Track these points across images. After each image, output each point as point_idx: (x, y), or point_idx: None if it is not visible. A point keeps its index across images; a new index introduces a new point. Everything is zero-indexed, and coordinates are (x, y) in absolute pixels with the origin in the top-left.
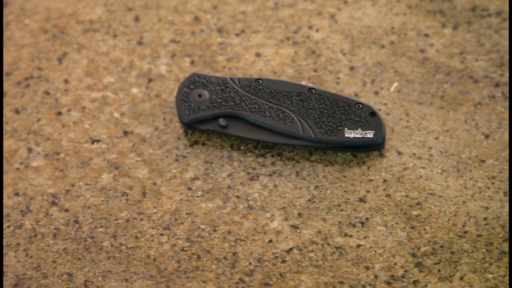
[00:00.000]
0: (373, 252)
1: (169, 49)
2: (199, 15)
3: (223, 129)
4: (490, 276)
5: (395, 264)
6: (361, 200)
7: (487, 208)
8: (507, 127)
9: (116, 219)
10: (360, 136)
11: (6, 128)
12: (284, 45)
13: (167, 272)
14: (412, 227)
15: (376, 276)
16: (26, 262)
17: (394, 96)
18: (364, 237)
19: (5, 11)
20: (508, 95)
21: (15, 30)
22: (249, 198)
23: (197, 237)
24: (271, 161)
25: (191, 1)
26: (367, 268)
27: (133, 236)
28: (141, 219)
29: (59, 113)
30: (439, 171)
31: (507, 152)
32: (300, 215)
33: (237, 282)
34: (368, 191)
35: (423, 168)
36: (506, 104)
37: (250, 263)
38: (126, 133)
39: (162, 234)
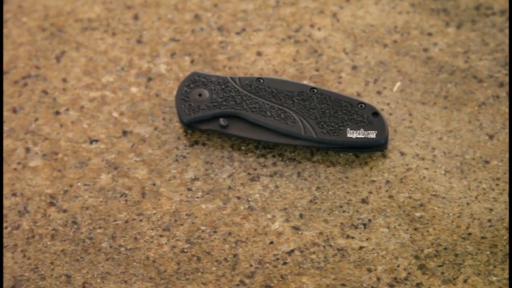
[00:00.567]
0: (376, 254)
1: (169, 48)
2: (200, 14)
3: (224, 129)
4: (494, 278)
5: (398, 266)
6: (364, 201)
7: (491, 210)
8: None
9: (115, 220)
10: (362, 136)
11: (4, 127)
12: (285, 44)
13: (167, 273)
14: (415, 229)
15: (378, 279)
16: (24, 263)
17: (397, 96)
18: (367, 239)
19: (3, 9)
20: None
21: (13, 29)
22: (249, 199)
23: (197, 239)
24: (272, 162)
25: None
26: (369, 270)
27: (132, 237)
28: (141, 220)
29: (57, 113)
30: (443, 172)
31: None
32: (301, 216)
33: (238, 285)
34: (370, 192)
35: (426, 169)
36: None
37: (251, 265)
38: (125, 133)
39: (161, 236)
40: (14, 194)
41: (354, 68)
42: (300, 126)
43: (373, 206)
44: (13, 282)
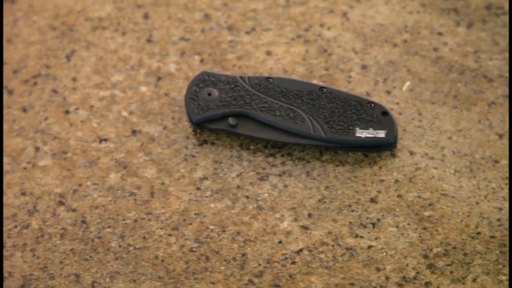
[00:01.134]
0: (385, 253)
1: (178, 47)
2: (209, 13)
3: (233, 129)
4: (503, 278)
5: (407, 265)
6: (373, 200)
7: (500, 209)
8: None
9: (124, 220)
10: (372, 136)
11: (14, 126)
12: (295, 43)
13: (175, 273)
14: (424, 228)
15: (387, 278)
16: (33, 263)
17: (406, 96)
18: (376, 238)
19: (13, 8)
20: None
21: (23, 27)
22: (258, 198)
23: (206, 238)
24: (281, 161)
25: None
26: (378, 269)
27: (141, 237)
28: (149, 220)
29: (67, 112)
30: (452, 171)
31: None
32: (310, 215)
33: (246, 284)
34: (379, 192)
35: (436, 168)
36: None
37: (259, 264)
38: (134, 132)
39: (170, 235)
40: (24, 193)
41: (364, 67)
42: (309, 126)
43: (382, 206)
44: (22, 281)
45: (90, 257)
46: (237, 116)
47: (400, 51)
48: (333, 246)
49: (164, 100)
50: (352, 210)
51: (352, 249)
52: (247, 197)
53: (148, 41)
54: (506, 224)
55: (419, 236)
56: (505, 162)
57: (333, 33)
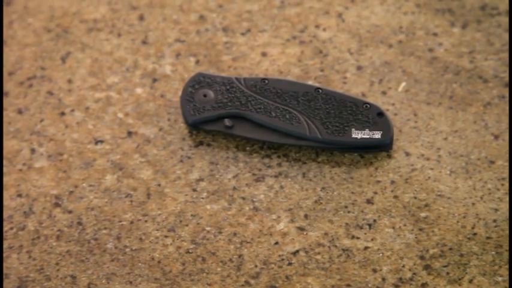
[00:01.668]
0: (381, 254)
1: (174, 48)
2: (205, 14)
3: (229, 130)
4: (499, 279)
5: (403, 266)
6: (369, 201)
7: (496, 210)
8: None
9: (120, 221)
10: (367, 137)
11: (9, 128)
12: (290, 44)
13: (172, 274)
14: (421, 229)
15: (383, 279)
16: (29, 264)
17: (402, 96)
18: (372, 239)
19: (8, 10)
20: None
21: (18, 30)
22: (254, 199)
23: (202, 239)
24: (277, 162)
25: (196, 0)
26: (374, 271)
27: (137, 238)
28: (146, 221)
29: (62, 113)
30: (448, 172)
31: None
32: (306, 216)
33: (243, 285)
34: (375, 193)
35: (431, 169)
36: None
37: (256, 266)
38: (130, 134)
39: (166, 236)
40: (20, 195)
41: (359, 68)
42: (305, 127)
43: (378, 207)
44: (18, 283)
45: (87, 258)
46: (232, 117)
47: (395, 52)
48: (329, 247)
49: (160, 102)
50: (349, 211)
51: (348, 250)
52: (243, 198)
53: (144, 42)
54: (503, 225)
55: (416, 237)
56: (501, 162)
57: (328, 34)
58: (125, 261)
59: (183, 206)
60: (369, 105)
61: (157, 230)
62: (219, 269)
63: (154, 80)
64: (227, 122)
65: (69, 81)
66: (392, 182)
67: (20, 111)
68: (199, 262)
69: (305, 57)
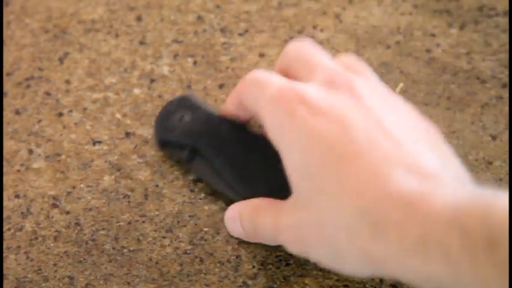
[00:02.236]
0: None
1: (171, 49)
2: (202, 15)
3: (188, 163)
4: None
5: None
6: None
7: None
8: None
9: (118, 222)
10: None
11: (7, 129)
12: None
13: (170, 275)
14: None
15: (381, 280)
16: (27, 265)
17: (399, 97)
18: None
19: (6, 10)
20: None
21: (16, 30)
22: None
23: (200, 240)
24: None
25: (194, 0)
26: None
27: (135, 239)
28: (143, 222)
29: (60, 114)
30: None
31: None
32: None
33: (240, 286)
34: None
35: None
36: None
37: (253, 266)
38: (128, 134)
39: (164, 237)
40: (17, 196)
41: None
42: None
43: None
44: (16, 283)
45: (84, 259)
46: (194, 151)
47: (393, 53)
48: None
49: (158, 102)
50: None
51: None
52: None
53: (141, 43)
54: None
55: None
56: (499, 163)
57: (325, 34)
58: (123, 262)
59: (181, 206)
60: None
61: (155, 230)
62: (216, 270)
63: (152, 81)
64: (186, 154)
65: (67, 81)
66: None
67: (17, 112)
68: (197, 263)
69: None
